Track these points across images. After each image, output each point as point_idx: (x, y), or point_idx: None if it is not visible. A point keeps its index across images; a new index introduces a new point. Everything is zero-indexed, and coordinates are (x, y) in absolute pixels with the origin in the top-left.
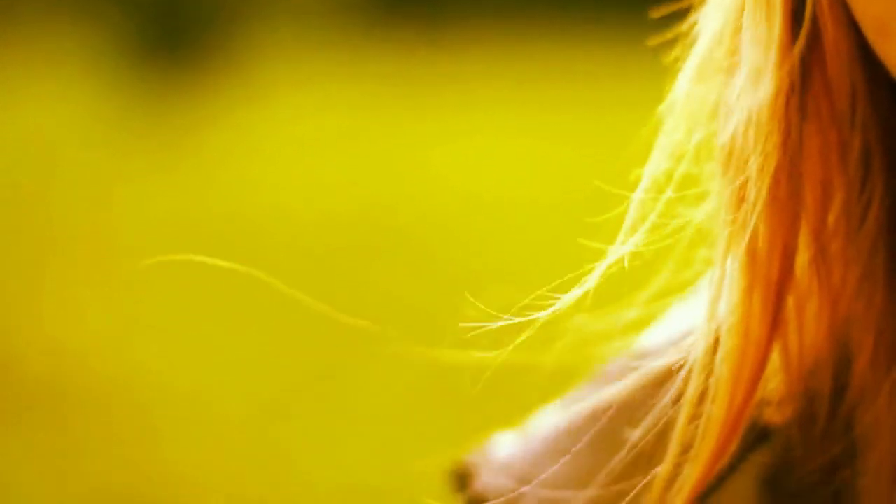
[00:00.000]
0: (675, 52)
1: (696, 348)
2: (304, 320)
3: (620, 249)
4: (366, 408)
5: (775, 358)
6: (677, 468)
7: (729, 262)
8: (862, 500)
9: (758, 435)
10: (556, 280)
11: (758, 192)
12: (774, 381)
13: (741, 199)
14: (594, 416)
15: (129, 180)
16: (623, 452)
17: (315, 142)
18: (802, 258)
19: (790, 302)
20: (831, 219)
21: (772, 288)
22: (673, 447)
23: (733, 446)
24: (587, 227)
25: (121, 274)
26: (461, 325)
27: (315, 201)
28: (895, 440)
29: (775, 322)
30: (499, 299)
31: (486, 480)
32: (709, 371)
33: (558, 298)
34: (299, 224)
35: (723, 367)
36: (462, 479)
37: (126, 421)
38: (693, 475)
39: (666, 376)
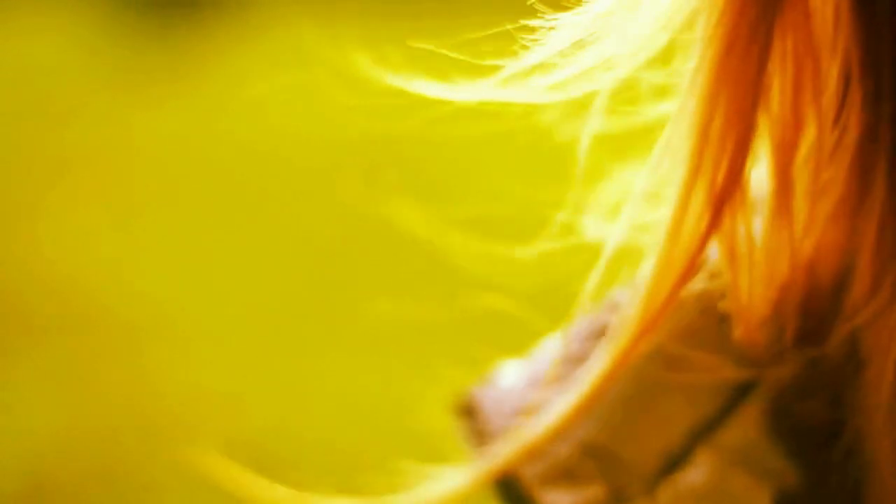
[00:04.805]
0: None
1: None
2: (308, 247)
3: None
4: (368, 334)
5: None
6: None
7: (674, 158)
8: (863, 418)
9: (752, 363)
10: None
11: (714, 109)
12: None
13: (698, 110)
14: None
15: (129, 111)
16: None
17: (323, 72)
18: (769, 185)
19: (747, 229)
20: (802, 150)
21: (712, 201)
22: (580, 328)
23: (642, 348)
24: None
25: (123, 203)
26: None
27: (322, 132)
28: (892, 361)
29: (708, 235)
30: (501, 222)
31: (490, 412)
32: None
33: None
34: (305, 156)
35: (648, 267)
36: (466, 409)
37: (127, 349)
38: (601, 367)
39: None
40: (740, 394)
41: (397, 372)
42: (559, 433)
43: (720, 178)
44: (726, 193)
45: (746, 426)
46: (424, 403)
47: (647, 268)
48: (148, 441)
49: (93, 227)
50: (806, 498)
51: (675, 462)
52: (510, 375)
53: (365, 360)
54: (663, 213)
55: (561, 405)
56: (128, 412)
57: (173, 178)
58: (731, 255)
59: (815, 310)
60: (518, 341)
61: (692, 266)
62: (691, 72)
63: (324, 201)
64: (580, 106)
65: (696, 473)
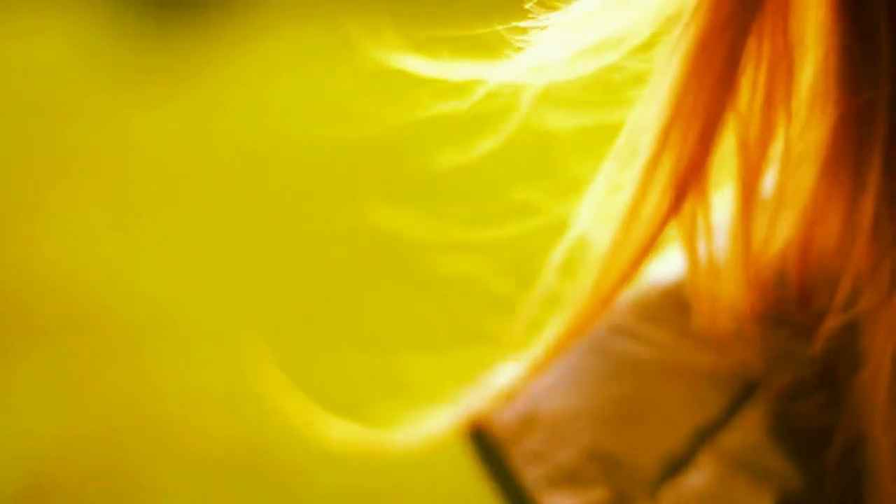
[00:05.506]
0: None
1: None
2: (308, 247)
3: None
4: (368, 334)
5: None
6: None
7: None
8: (863, 420)
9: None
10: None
11: (686, 95)
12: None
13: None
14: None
15: (129, 111)
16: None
17: (323, 73)
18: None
19: (705, 220)
20: (770, 151)
21: (673, 184)
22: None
23: (587, 329)
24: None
25: (123, 203)
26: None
27: (323, 132)
28: (889, 357)
29: (667, 217)
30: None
31: (493, 412)
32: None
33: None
34: (305, 156)
35: (604, 242)
36: (467, 413)
37: (127, 349)
38: (553, 337)
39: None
40: (742, 396)
41: (397, 372)
42: (513, 394)
43: (684, 161)
44: (688, 178)
45: (748, 429)
46: (424, 404)
47: (603, 243)
48: (148, 441)
49: (93, 227)
50: (807, 500)
51: (677, 465)
52: (512, 374)
53: (365, 361)
54: (624, 192)
55: (517, 369)
56: (128, 412)
57: (173, 178)
58: (690, 242)
59: (812, 305)
60: (518, 341)
61: (649, 246)
62: (665, 57)
63: (324, 201)
64: (560, 99)
65: (699, 477)
